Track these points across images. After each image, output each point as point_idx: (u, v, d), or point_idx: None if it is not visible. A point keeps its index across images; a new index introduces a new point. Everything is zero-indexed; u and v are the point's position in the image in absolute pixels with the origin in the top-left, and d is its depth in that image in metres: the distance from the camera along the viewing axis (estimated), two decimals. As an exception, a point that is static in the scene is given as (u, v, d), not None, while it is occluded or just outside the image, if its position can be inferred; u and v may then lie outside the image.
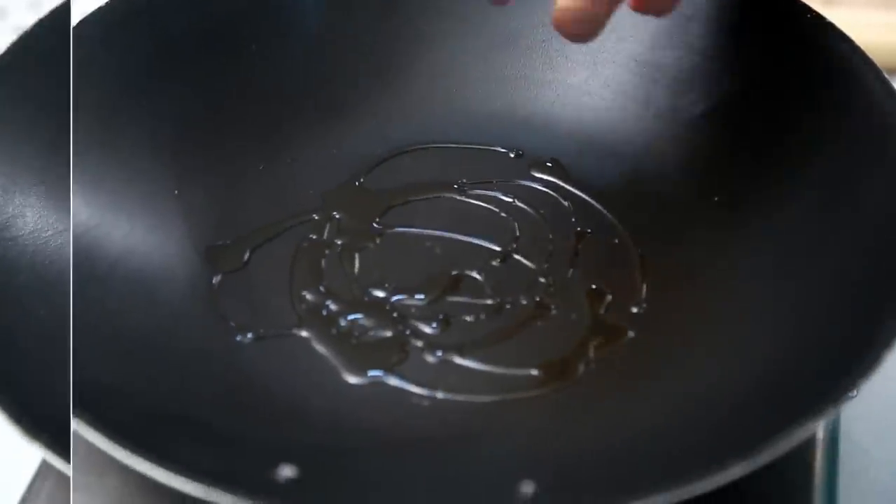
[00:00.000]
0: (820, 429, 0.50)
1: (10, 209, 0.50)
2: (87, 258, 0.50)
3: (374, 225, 0.57)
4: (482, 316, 0.53)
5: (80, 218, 0.51)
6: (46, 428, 0.41)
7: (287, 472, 0.42)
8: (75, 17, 0.55)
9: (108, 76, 0.56)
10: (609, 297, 0.53)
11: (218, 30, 0.59)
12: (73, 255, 0.50)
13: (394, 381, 0.50)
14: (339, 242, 0.56)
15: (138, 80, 0.56)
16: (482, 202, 0.58)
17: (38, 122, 0.52)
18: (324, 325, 0.52)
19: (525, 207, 0.58)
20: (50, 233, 0.50)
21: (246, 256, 0.55)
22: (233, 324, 0.52)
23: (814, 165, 0.53)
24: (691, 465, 0.40)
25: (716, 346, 0.50)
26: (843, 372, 0.42)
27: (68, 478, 0.40)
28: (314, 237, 0.56)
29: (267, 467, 0.42)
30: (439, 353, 0.51)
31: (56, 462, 0.40)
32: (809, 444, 0.49)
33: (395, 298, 0.53)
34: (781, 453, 0.40)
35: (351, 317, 0.53)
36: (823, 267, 0.49)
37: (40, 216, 0.50)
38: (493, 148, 0.60)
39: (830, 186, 0.52)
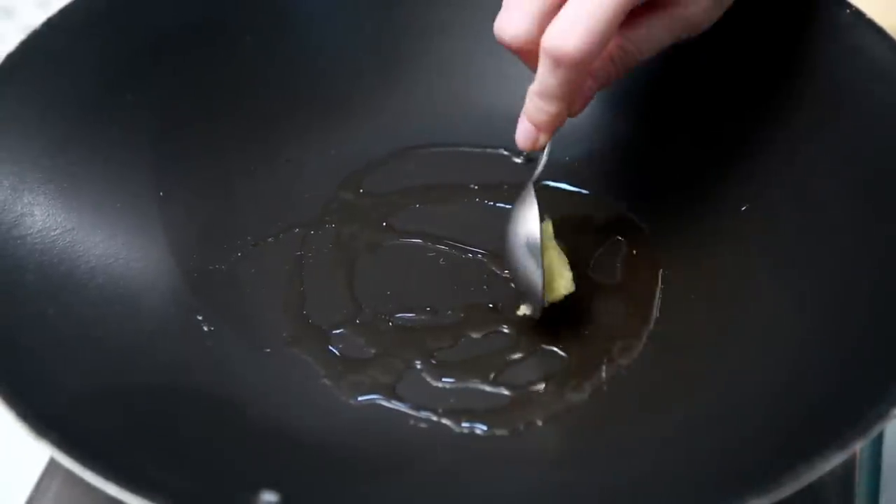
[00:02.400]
0: (860, 449, 0.48)
1: (19, 208, 0.49)
2: (64, 262, 0.49)
3: (375, 233, 0.55)
4: (487, 335, 0.50)
5: (57, 219, 0.50)
6: (54, 426, 0.40)
7: (269, 498, 0.41)
8: (56, 5, 0.53)
9: (90, 69, 0.54)
10: (623, 314, 0.50)
11: (209, 19, 0.57)
12: (48, 259, 0.48)
13: (390, 403, 0.48)
14: (336, 252, 0.54)
15: (122, 73, 0.54)
16: (490, 209, 0.55)
17: (47, 121, 0.51)
18: (317, 341, 0.50)
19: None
20: (58, 231, 0.49)
21: (235, 266, 0.53)
22: (218, 338, 0.50)
23: (846, 172, 0.50)
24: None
25: (741, 363, 0.48)
26: (884, 387, 0.40)
27: (75, 476, 0.39)
28: (310, 245, 0.54)
29: (248, 493, 0.41)
30: (440, 374, 0.48)
31: (64, 460, 0.39)
32: (849, 465, 0.48)
33: (393, 315, 0.51)
34: (814, 478, 0.38)
35: (347, 333, 0.50)
36: (856, 277, 0.47)
37: (49, 215, 0.49)
38: (503, 150, 0.58)
39: (864, 192, 0.49)
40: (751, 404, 0.45)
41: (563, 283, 0.48)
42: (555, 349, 0.49)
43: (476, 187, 0.56)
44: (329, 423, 0.47)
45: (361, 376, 0.48)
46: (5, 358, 0.43)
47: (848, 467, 0.48)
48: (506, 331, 0.50)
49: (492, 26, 0.45)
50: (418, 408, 0.47)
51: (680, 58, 0.56)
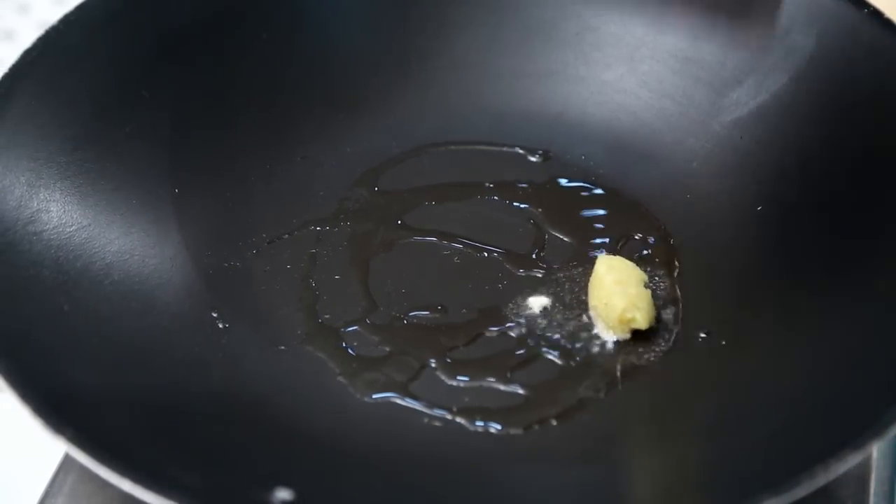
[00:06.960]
0: (875, 449, 0.48)
1: (35, 204, 0.49)
2: (80, 259, 0.49)
3: (390, 231, 0.54)
4: (501, 333, 0.50)
5: (73, 216, 0.50)
6: (70, 422, 0.40)
7: (283, 495, 0.41)
8: (72, 2, 0.53)
9: (106, 66, 0.54)
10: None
11: (225, 17, 0.57)
12: (64, 255, 0.48)
13: (404, 401, 0.47)
14: (351, 250, 0.53)
15: (137, 71, 0.54)
16: (505, 207, 0.55)
17: (64, 118, 0.51)
18: (331, 338, 0.50)
19: (551, 213, 0.55)
20: (74, 228, 0.49)
21: (250, 263, 0.53)
22: (233, 335, 0.50)
23: (863, 173, 0.50)
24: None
25: (757, 362, 0.47)
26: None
27: (90, 472, 0.39)
28: (324, 243, 0.54)
29: (261, 489, 0.41)
30: (454, 372, 0.48)
31: (79, 456, 0.39)
32: (864, 465, 0.47)
33: (408, 313, 0.51)
34: (830, 479, 0.38)
35: (361, 331, 0.50)
36: (872, 277, 0.47)
37: (65, 211, 0.49)
38: (518, 148, 0.58)
39: (882, 193, 0.49)
40: (767, 404, 0.45)
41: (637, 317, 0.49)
42: (569, 347, 0.49)
43: (491, 186, 0.56)
44: (343, 420, 0.47)
45: (376, 374, 0.48)
46: (21, 353, 0.43)
47: (863, 468, 0.47)
48: (520, 330, 0.50)
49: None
50: (432, 406, 0.47)
51: (693, 57, 0.57)
